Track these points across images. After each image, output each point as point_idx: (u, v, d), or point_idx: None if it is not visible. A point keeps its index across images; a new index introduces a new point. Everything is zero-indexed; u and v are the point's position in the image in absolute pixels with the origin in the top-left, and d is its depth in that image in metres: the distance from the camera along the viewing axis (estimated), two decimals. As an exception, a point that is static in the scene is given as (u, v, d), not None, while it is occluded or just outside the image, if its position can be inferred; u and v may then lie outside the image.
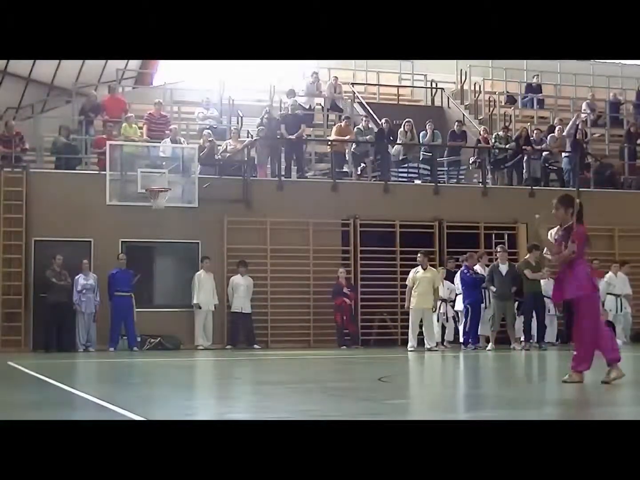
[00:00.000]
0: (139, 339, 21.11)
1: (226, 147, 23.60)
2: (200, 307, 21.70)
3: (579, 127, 27.27)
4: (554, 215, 10.54)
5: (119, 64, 29.41)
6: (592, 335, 10.10)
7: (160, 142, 22.97)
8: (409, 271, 21.04)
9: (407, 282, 20.58)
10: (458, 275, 21.73)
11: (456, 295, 21.77)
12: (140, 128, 23.80)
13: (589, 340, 10.14)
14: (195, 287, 21.73)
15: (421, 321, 20.46)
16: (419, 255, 20.72)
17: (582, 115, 29.80)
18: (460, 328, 21.58)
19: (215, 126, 25.31)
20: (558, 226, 10.66)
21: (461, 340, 21.46)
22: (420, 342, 20.43)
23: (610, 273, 22.86)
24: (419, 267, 20.48)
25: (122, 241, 21.76)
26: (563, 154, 26.22)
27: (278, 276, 22.54)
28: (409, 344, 20.31)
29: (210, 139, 23.28)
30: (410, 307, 20.35)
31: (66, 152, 22.74)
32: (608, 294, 22.62)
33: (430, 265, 21.20)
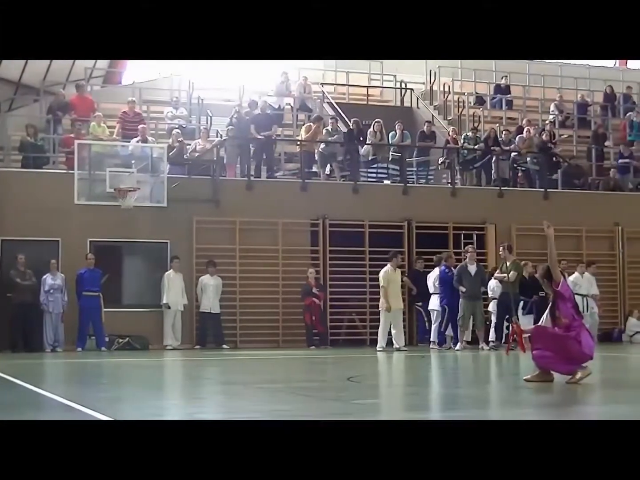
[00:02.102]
0: (107, 339, 20.99)
1: (195, 146, 23.52)
2: (169, 307, 21.62)
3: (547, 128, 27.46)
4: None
5: (87, 62, 29.21)
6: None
7: (128, 142, 22.86)
8: (379, 271, 21.01)
9: (381, 283, 20.52)
10: (433, 275, 21.76)
11: (430, 294, 21.76)
12: (110, 127, 23.68)
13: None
14: (164, 287, 21.65)
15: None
16: (391, 255, 20.74)
17: (550, 117, 29.97)
18: (434, 327, 21.61)
19: (184, 126, 25.22)
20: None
21: (433, 339, 21.49)
22: (389, 342, 20.44)
23: (576, 273, 22.97)
24: (391, 267, 20.46)
25: (90, 241, 21.61)
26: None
27: (247, 276, 22.49)
28: (379, 345, 20.32)
29: (179, 138, 23.18)
30: (386, 308, 20.32)
31: (33, 151, 22.57)
32: (574, 294, 22.63)
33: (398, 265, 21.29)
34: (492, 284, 21.33)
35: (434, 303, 21.62)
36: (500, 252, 21.29)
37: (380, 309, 20.59)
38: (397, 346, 20.16)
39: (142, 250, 22.38)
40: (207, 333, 21.99)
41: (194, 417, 7.46)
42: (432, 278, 21.81)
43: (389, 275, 20.35)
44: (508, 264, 20.55)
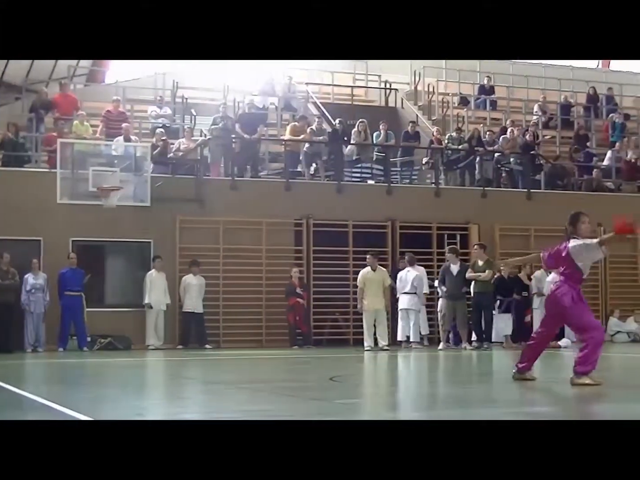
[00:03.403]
0: (89, 339, 20.90)
1: (179, 146, 23.46)
2: (151, 307, 21.55)
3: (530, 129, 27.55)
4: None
5: (71, 60, 29.13)
6: None
7: (112, 141, 22.79)
8: (360, 272, 21.18)
9: (357, 283, 20.64)
10: (411, 274, 21.74)
11: (402, 294, 21.73)
12: (93, 126, 23.60)
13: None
14: (146, 287, 21.58)
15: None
16: (368, 256, 20.78)
17: (534, 117, 30.05)
18: (413, 327, 21.64)
19: (168, 125, 25.17)
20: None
21: (413, 339, 21.52)
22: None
23: (553, 274, 22.98)
24: (369, 267, 20.54)
25: (72, 240, 21.52)
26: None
27: (231, 276, 22.45)
28: (365, 344, 20.35)
29: (163, 137, 23.13)
30: (363, 308, 20.40)
31: (15, 150, 22.46)
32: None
33: (382, 265, 21.32)
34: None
35: (412, 302, 21.58)
36: (474, 251, 21.38)
37: (402, 307, 20.82)
38: (381, 345, 20.21)
39: (125, 249, 22.31)
40: (190, 333, 21.93)
41: (176, 417, 7.43)
42: (412, 278, 21.76)
43: (364, 275, 20.42)
44: (481, 263, 20.63)
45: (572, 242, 10.12)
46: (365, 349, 20.13)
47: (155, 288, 21.59)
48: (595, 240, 10.11)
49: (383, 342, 20.28)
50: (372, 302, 20.36)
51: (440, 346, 20.64)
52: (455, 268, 20.87)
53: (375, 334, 20.56)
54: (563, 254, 10.16)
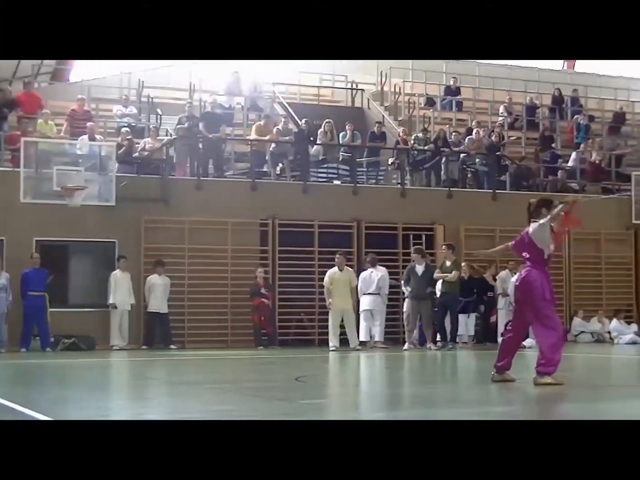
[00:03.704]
0: (52, 340, 20.74)
1: (144, 145, 23.34)
2: (116, 307, 21.43)
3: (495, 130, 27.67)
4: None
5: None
6: None
7: (77, 140, 22.63)
8: (326, 271, 21.26)
9: (324, 283, 20.64)
10: (376, 275, 21.77)
11: (365, 294, 21.74)
12: (58, 125, 23.43)
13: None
14: (111, 287, 21.44)
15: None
16: (337, 255, 20.79)
17: (499, 118, 30.18)
18: (379, 327, 21.70)
19: (133, 124, 25.01)
20: None
21: (379, 339, 21.57)
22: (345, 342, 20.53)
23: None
24: (336, 267, 20.55)
25: (36, 240, 21.34)
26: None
27: (196, 276, 22.36)
28: (331, 344, 20.34)
29: (128, 137, 23.00)
30: (330, 307, 20.42)
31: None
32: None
33: (347, 265, 21.35)
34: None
35: (376, 303, 21.59)
36: (442, 252, 21.45)
37: (364, 308, 20.87)
38: (353, 346, 20.25)
39: (89, 249, 22.16)
40: (154, 333, 21.82)
41: (140, 418, 7.37)
42: (377, 278, 21.79)
43: (331, 276, 20.44)
44: (449, 263, 20.71)
45: (531, 226, 10.40)
46: (330, 349, 20.11)
47: (120, 288, 21.46)
48: (546, 218, 10.36)
49: (353, 343, 20.30)
50: (339, 302, 20.36)
51: (405, 346, 20.67)
52: (420, 268, 20.91)
53: (344, 334, 20.61)
54: (526, 240, 10.43)
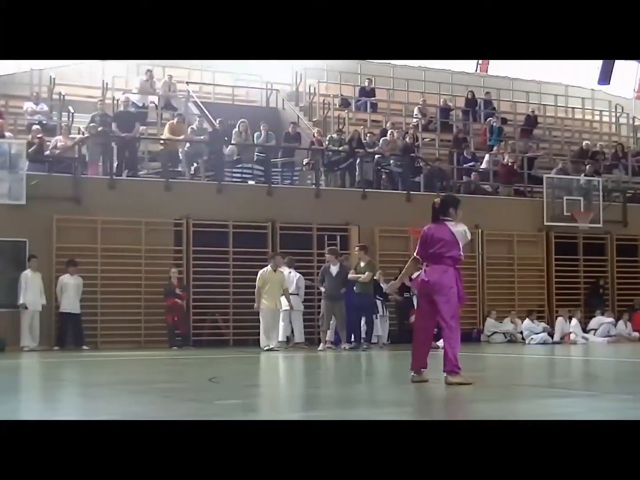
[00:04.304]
0: (-40, 340, 20.37)
1: (56, 143, 23.03)
2: (26, 307, 21.10)
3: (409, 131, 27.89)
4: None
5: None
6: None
7: (-15, 137, 22.25)
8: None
9: (256, 283, 20.54)
10: (295, 275, 21.85)
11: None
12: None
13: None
14: (21, 287, 21.11)
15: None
16: (275, 256, 20.93)
17: (414, 120, 30.42)
18: (299, 328, 21.78)
19: (44, 122, 24.68)
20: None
21: (298, 340, 21.65)
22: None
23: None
24: (268, 267, 20.50)
25: (-56, 239, 20.98)
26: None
27: (109, 276, 22.13)
28: (262, 344, 20.32)
29: (39, 134, 22.67)
30: (261, 307, 20.33)
31: None
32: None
33: (262, 266, 21.38)
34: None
35: (295, 303, 21.63)
36: (355, 253, 21.55)
37: (255, 308, 20.80)
38: (272, 345, 20.32)
39: (-1, 248, 21.80)
40: (66, 334, 21.55)
41: (49, 419, 7.24)
42: (296, 279, 21.88)
43: (265, 275, 20.41)
44: (362, 264, 20.80)
45: (456, 226, 10.34)
46: (264, 348, 20.08)
47: (31, 288, 21.14)
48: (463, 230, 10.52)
49: (273, 343, 20.27)
50: (271, 302, 20.38)
51: (320, 347, 20.70)
52: (334, 269, 20.96)
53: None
54: (446, 237, 10.30)
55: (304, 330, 22.37)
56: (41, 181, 21.50)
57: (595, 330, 25.61)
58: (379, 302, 22.48)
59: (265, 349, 20.04)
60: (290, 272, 21.76)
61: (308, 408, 8.69)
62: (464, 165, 28.17)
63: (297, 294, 21.87)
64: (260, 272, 20.55)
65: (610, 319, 25.94)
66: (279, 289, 20.53)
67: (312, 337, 22.92)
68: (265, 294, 20.31)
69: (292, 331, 22.05)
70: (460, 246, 10.36)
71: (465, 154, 28.43)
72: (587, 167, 28.99)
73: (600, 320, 25.77)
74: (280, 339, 21.14)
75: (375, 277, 21.52)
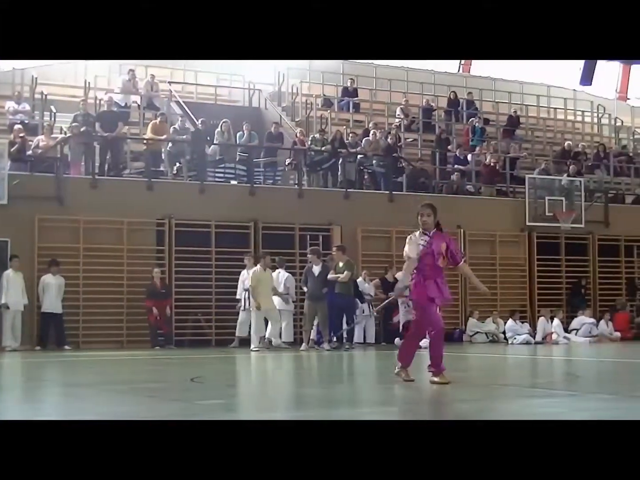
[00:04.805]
0: (-60, 341, 20.28)
1: (38, 143, 22.96)
2: (8, 307, 21.02)
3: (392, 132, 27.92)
4: (423, 222, 10.34)
5: None
6: None
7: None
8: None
9: (250, 282, 20.66)
10: (282, 276, 21.90)
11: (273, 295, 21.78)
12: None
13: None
14: (3, 287, 21.04)
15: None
16: (267, 256, 21.05)
17: (396, 120, 30.45)
18: (285, 327, 21.82)
19: (26, 121, 24.60)
20: (419, 232, 10.41)
21: (284, 339, 21.73)
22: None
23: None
24: (259, 266, 20.60)
25: None
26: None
27: (91, 276, 22.08)
28: (252, 344, 20.40)
29: (21, 134, 22.59)
30: (256, 307, 20.42)
31: None
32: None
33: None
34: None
35: (284, 303, 21.70)
36: (333, 254, 21.57)
37: (250, 309, 20.87)
38: (277, 344, 20.42)
39: (-19, 248, 21.71)
40: (48, 334, 21.49)
41: (30, 419, 7.22)
42: (284, 279, 21.92)
43: (257, 275, 20.47)
44: (341, 264, 20.84)
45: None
46: (253, 349, 20.09)
47: (13, 288, 21.07)
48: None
49: (277, 340, 20.42)
50: (265, 302, 20.46)
51: (302, 347, 20.71)
52: (317, 269, 20.97)
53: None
54: (453, 249, 10.35)
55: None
56: (23, 181, 21.44)
57: (577, 330, 25.71)
58: (365, 302, 22.61)
59: (253, 350, 20.09)
60: (279, 273, 21.84)
61: (289, 408, 8.69)
62: (455, 166, 28.15)
63: (288, 294, 21.95)
64: (253, 272, 20.61)
65: (592, 319, 26.04)
66: (270, 288, 20.63)
67: (296, 337, 22.92)
68: (259, 294, 20.45)
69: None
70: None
71: (458, 153, 28.46)
72: (570, 167, 29.08)
73: (582, 320, 25.87)
74: (285, 339, 21.30)
75: (361, 278, 21.60)
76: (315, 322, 21.08)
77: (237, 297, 22.08)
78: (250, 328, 21.34)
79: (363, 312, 22.77)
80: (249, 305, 21.20)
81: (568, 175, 28.56)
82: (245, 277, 21.65)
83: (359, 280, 22.84)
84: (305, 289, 21.09)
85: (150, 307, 21.85)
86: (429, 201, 10.99)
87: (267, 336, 21.04)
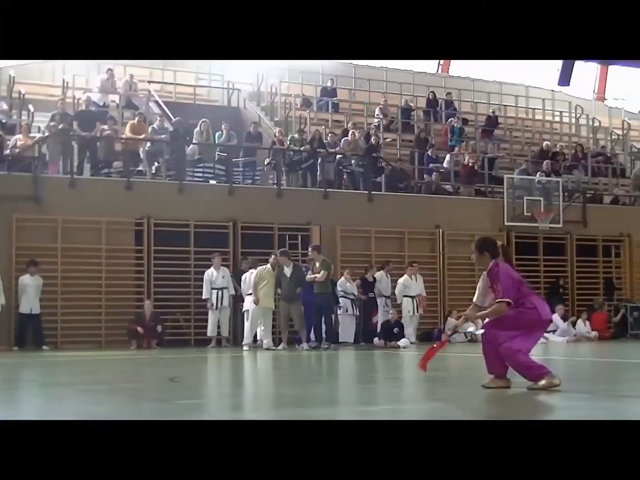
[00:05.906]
0: None
1: (16, 142, 22.87)
2: (-15, 308, 20.95)
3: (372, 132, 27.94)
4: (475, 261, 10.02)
5: None
6: None
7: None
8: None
9: (253, 279, 20.72)
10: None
11: (248, 294, 21.70)
12: None
13: None
14: (-20, 287, 20.96)
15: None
16: (274, 255, 21.19)
17: (375, 120, 30.49)
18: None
19: (4, 120, 24.51)
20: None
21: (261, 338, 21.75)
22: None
23: (406, 275, 23.44)
24: (268, 265, 20.71)
25: None
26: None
27: (69, 276, 21.99)
28: (244, 341, 20.50)
29: (-2, 133, 22.53)
30: (251, 305, 20.47)
31: None
32: (405, 296, 23.30)
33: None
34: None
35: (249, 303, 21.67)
36: (309, 253, 21.59)
37: (247, 308, 20.95)
38: (267, 345, 20.51)
39: (-42, 248, 21.60)
40: (26, 334, 21.38)
41: (9, 419, 7.20)
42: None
43: (262, 274, 20.69)
44: (317, 264, 20.87)
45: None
46: (244, 346, 20.08)
47: (-10, 288, 20.98)
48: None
49: (269, 341, 20.45)
50: (267, 301, 20.53)
51: (280, 347, 20.71)
52: (288, 270, 20.96)
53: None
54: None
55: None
56: (0, 180, 21.34)
57: (555, 330, 25.79)
58: (348, 302, 22.62)
59: (245, 349, 20.12)
60: (252, 273, 21.72)
61: (268, 408, 8.70)
62: (430, 166, 28.20)
63: None
64: (259, 270, 20.78)
65: (562, 322, 26.11)
66: (273, 288, 20.82)
67: (274, 337, 22.92)
68: (261, 292, 20.58)
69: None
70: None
71: (430, 153, 28.49)
72: (547, 166, 29.18)
73: (559, 320, 25.95)
74: (246, 339, 21.30)
75: (343, 278, 21.67)
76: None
77: (204, 297, 22.09)
78: (219, 328, 21.81)
79: (347, 311, 22.77)
80: (222, 304, 21.33)
81: (544, 174, 28.65)
82: (214, 277, 21.87)
83: (341, 280, 22.85)
84: (278, 290, 21.11)
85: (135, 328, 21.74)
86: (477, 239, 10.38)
87: (259, 337, 21.02)
